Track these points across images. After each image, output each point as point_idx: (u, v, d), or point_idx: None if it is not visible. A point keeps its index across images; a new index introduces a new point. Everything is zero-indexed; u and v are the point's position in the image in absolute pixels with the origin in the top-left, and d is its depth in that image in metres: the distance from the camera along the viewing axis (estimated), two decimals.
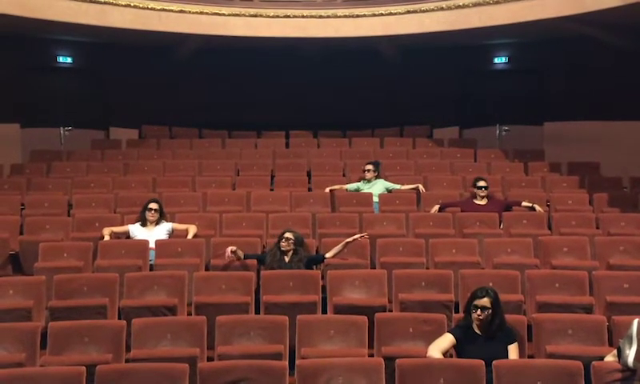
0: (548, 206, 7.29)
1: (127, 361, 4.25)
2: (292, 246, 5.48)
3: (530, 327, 4.50)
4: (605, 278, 5.18)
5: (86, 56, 10.14)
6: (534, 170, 8.62)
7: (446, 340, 4.11)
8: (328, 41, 9.42)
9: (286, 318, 4.48)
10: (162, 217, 6.24)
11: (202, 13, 9.03)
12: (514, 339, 4.13)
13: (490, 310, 4.07)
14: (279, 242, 5.52)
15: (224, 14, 9.12)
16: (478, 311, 4.06)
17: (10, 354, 4.22)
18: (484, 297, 4.08)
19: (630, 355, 3.66)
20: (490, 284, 5.00)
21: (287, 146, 9.71)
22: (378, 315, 4.52)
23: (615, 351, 3.84)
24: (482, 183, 6.91)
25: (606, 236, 6.26)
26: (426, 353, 4.04)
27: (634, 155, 9.07)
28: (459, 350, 4.10)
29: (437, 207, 6.92)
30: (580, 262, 5.68)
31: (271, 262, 5.46)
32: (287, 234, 5.50)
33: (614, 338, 4.34)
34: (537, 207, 6.88)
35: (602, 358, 3.91)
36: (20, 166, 8.72)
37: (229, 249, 5.47)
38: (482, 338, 4.09)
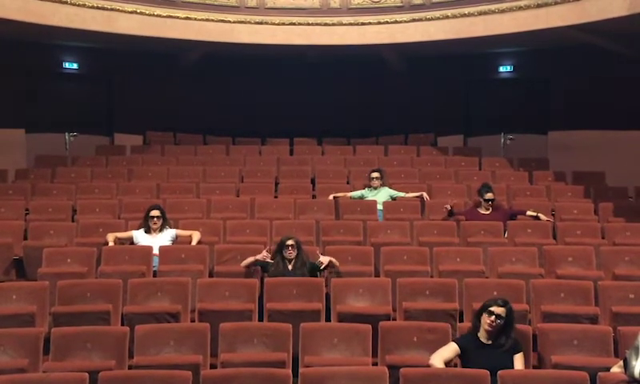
0: (553, 215, 7.27)
1: (130, 367, 4.24)
2: (296, 251, 5.48)
3: (535, 337, 4.48)
4: (610, 288, 5.15)
5: (92, 62, 10.18)
6: (538, 178, 8.60)
7: (450, 349, 4.09)
8: (333, 48, 9.44)
9: (290, 325, 4.47)
10: (165, 223, 6.24)
11: (207, 20, 9.07)
12: (519, 349, 4.11)
13: (503, 321, 4.05)
14: (281, 250, 5.49)
15: (230, 21, 9.15)
16: (492, 317, 4.04)
17: (12, 360, 4.21)
18: (502, 306, 4.07)
19: (637, 366, 3.62)
20: (495, 293, 5.00)
21: (291, 153, 9.71)
22: (382, 324, 4.50)
23: (621, 362, 3.80)
24: (489, 196, 6.86)
25: (611, 246, 6.23)
26: (428, 362, 4.01)
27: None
28: (464, 359, 4.07)
29: (449, 206, 6.87)
30: (585, 271, 5.65)
31: (274, 271, 5.44)
32: (289, 242, 5.48)
33: (620, 348, 4.31)
34: (542, 216, 6.85)
35: (607, 369, 3.88)
36: (25, 172, 8.74)
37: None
38: (488, 347, 4.07)
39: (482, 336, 4.09)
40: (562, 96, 10.13)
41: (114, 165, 8.95)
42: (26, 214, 7.17)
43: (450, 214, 6.89)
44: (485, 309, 4.09)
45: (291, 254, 5.45)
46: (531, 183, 8.48)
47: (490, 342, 4.08)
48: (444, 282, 5.25)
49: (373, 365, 4.25)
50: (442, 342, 4.23)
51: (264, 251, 5.57)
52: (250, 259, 5.56)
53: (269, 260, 5.50)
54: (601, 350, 4.34)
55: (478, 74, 10.59)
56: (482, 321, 4.07)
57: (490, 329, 4.06)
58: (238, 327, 4.50)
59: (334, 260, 5.54)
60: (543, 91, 10.44)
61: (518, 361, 4.07)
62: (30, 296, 5.02)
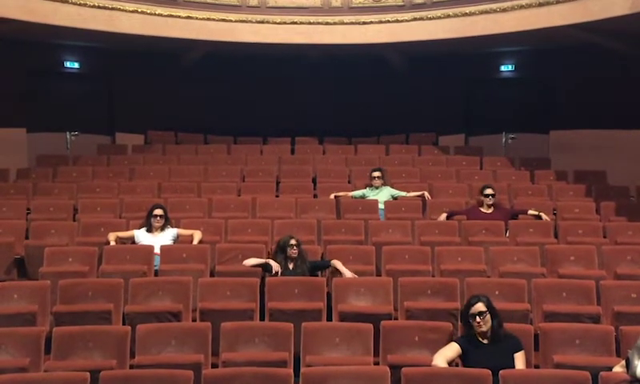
0: (554, 214, 7.26)
1: (131, 367, 4.24)
2: (298, 250, 5.47)
3: (536, 337, 4.47)
4: (612, 288, 5.14)
5: (93, 61, 10.17)
6: (540, 178, 8.59)
7: (452, 349, 4.09)
8: (334, 47, 9.44)
9: (291, 325, 4.46)
10: (166, 222, 6.24)
11: (209, 19, 9.06)
12: (520, 347, 4.11)
13: (487, 314, 4.06)
14: (284, 250, 5.47)
15: (231, 20, 9.14)
16: (477, 318, 4.06)
17: (14, 359, 4.21)
18: (477, 302, 4.09)
19: (639, 366, 3.61)
20: (497, 292, 5.01)
21: (293, 152, 9.71)
22: (383, 323, 4.50)
23: (623, 362, 3.80)
24: (488, 191, 6.89)
25: (613, 245, 6.22)
26: (431, 362, 4.01)
27: None
28: (465, 359, 4.07)
29: (444, 215, 6.90)
30: (587, 271, 5.65)
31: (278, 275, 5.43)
32: (293, 241, 5.48)
33: (622, 348, 4.30)
34: (543, 215, 6.85)
35: (609, 369, 3.87)
36: (26, 171, 8.74)
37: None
38: (488, 347, 4.07)
39: (480, 336, 4.09)
40: (564, 95, 10.11)
41: (115, 164, 8.95)
42: (28, 213, 7.18)
43: (450, 215, 6.90)
44: (468, 318, 4.09)
45: (295, 252, 5.45)
46: (533, 182, 8.47)
47: (489, 342, 4.08)
48: (445, 282, 5.24)
49: (374, 364, 4.25)
50: (444, 342, 4.23)
51: (277, 265, 5.46)
52: (257, 261, 5.54)
53: (279, 269, 5.43)
54: (603, 349, 4.33)
55: (479, 73, 10.58)
56: (474, 328, 4.08)
57: (483, 329, 4.06)
58: (240, 326, 4.50)
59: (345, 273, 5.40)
60: (545, 90, 10.42)
61: (519, 360, 4.07)
62: (32, 295, 5.02)
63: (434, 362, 3.99)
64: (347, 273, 5.40)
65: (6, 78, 9.36)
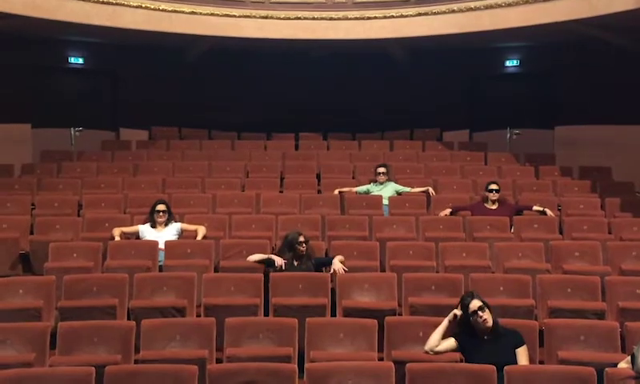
0: (559, 210, 7.25)
1: (136, 362, 4.24)
2: (306, 247, 5.47)
3: (541, 332, 4.46)
4: (617, 284, 5.13)
5: (97, 57, 10.19)
6: (544, 173, 8.58)
7: (448, 342, 4.10)
8: (338, 43, 9.42)
9: (296, 320, 4.47)
10: (170, 217, 6.25)
11: (212, 14, 9.05)
12: (521, 342, 4.10)
13: (486, 307, 4.07)
14: (292, 246, 5.46)
15: (235, 16, 9.13)
16: (479, 313, 4.05)
17: (19, 354, 4.23)
18: (472, 299, 4.09)
19: None
20: (501, 288, 5.01)
21: (297, 147, 9.70)
22: (387, 319, 4.50)
23: (628, 358, 3.80)
24: (493, 186, 6.88)
25: (618, 241, 6.22)
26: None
27: None
28: (466, 355, 4.06)
29: (448, 210, 6.89)
30: (592, 267, 5.64)
31: (282, 269, 5.42)
32: (302, 238, 5.47)
33: (627, 344, 4.29)
34: (548, 211, 6.84)
35: (614, 365, 3.87)
36: (31, 166, 8.75)
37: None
38: (488, 343, 4.06)
39: (481, 333, 4.09)
40: (569, 91, 10.08)
41: (119, 160, 8.96)
42: (32, 208, 7.19)
43: (454, 210, 6.89)
44: (469, 316, 4.07)
45: (304, 249, 5.45)
46: (537, 178, 8.46)
47: (490, 337, 4.07)
48: (450, 277, 5.24)
49: (379, 360, 4.25)
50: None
51: (280, 259, 5.47)
52: (260, 256, 5.54)
53: (282, 263, 5.43)
54: (608, 345, 4.32)
55: (484, 68, 10.55)
56: (475, 325, 4.07)
57: (489, 324, 4.06)
58: (244, 322, 4.51)
59: (339, 270, 5.41)
60: (549, 86, 10.39)
61: (521, 355, 4.06)
62: (37, 290, 5.03)
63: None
64: (336, 265, 5.37)
65: (10, 73, 9.37)
